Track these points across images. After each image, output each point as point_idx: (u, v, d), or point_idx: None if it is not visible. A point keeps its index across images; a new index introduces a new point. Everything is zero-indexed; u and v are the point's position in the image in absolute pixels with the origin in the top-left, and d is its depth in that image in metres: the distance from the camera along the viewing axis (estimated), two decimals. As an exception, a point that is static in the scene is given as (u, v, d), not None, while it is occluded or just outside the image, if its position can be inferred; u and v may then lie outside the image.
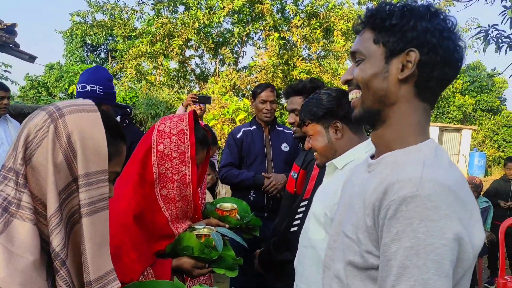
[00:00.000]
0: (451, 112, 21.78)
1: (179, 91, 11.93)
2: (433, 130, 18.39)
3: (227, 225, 2.12)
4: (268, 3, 10.29)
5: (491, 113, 22.96)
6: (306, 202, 2.17)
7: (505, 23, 5.00)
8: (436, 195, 0.85)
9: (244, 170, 3.28)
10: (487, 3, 5.29)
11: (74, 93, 15.65)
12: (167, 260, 1.78)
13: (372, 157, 1.11)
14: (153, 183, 1.76)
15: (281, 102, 10.77)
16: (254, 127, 3.41)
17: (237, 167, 3.33)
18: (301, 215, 2.17)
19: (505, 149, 20.74)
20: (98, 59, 24.71)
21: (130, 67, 10.66)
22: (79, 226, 0.97)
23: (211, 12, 10.56)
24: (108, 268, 1.03)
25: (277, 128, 3.44)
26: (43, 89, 18.86)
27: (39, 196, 0.94)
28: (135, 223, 1.69)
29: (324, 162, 1.82)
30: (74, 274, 0.99)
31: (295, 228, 2.18)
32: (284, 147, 3.35)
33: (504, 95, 24.88)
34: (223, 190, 6.05)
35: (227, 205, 2.33)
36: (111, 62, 15.06)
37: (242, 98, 10.17)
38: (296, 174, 2.45)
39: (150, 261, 1.72)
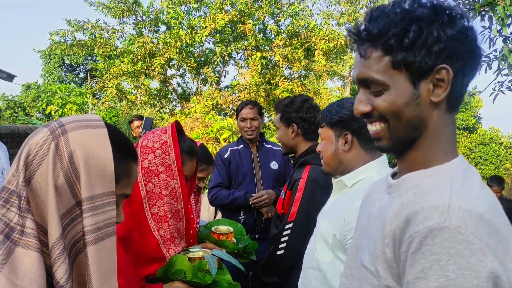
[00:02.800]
0: (429, 130, 22.20)
1: (161, 110, 11.83)
2: None
3: (224, 250, 2.03)
4: (250, 23, 10.38)
5: (467, 132, 23.46)
6: (291, 225, 2.11)
7: (485, 42, 5.11)
8: (467, 226, 0.74)
9: (233, 190, 3.17)
10: (467, 23, 5.39)
11: (52, 113, 15.33)
12: (158, 285, 1.67)
13: (394, 175, 1.00)
14: (141, 202, 1.66)
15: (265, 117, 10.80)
16: (241, 146, 3.30)
17: (227, 188, 3.22)
18: (286, 238, 2.11)
19: (482, 167, 21.14)
20: (76, 79, 24.45)
21: (111, 86, 10.54)
22: (83, 255, 0.87)
23: (193, 32, 10.58)
24: None
25: (265, 145, 3.34)
26: (19, 109, 18.49)
27: (40, 222, 0.85)
28: (120, 245, 1.57)
29: (328, 171, 1.74)
30: None
31: (281, 252, 2.12)
32: (273, 165, 3.25)
33: (480, 114, 25.53)
34: None
35: (223, 228, 2.23)
36: (90, 82, 14.90)
37: (225, 117, 10.12)
38: (284, 194, 2.40)
39: (137, 286, 1.60)
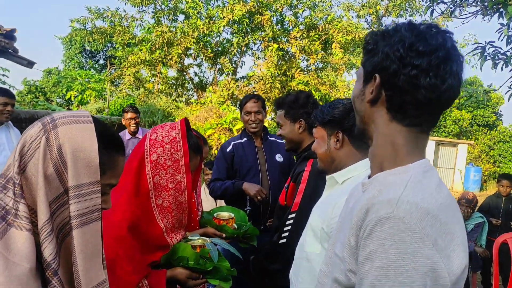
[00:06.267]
0: (448, 126, 21.90)
1: (177, 99, 11.95)
2: (430, 144, 18.25)
3: (224, 235, 2.12)
4: (267, 14, 10.38)
5: (487, 128, 23.07)
6: (294, 215, 2.19)
7: (502, 40, 5.05)
8: (411, 217, 0.85)
9: (227, 180, 3.23)
10: (484, 20, 5.34)
11: (72, 98, 15.51)
12: (162, 271, 1.77)
13: (369, 177, 1.10)
14: (148, 193, 1.75)
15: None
16: (245, 139, 3.35)
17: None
18: (289, 227, 2.19)
19: (500, 164, 20.80)
20: (96, 65, 24.75)
21: (129, 74, 10.68)
22: (70, 237, 0.98)
23: (211, 22, 10.63)
24: (100, 279, 1.03)
25: (270, 138, 3.40)
26: (40, 94, 18.83)
27: (32, 206, 0.96)
28: (130, 234, 1.68)
29: (322, 168, 1.83)
30: (67, 284, 0.99)
31: (284, 240, 2.20)
32: (278, 157, 3.30)
33: (500, 111, 25.02)
34: None
35: (224, 214, 2.32)
36: (109, 69, 15.08)
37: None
38: (287, 186, 2.47)
39: (144, 272, 1.70)
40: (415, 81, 0.94)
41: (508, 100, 5.42)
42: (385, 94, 0.99)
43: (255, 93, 10.17)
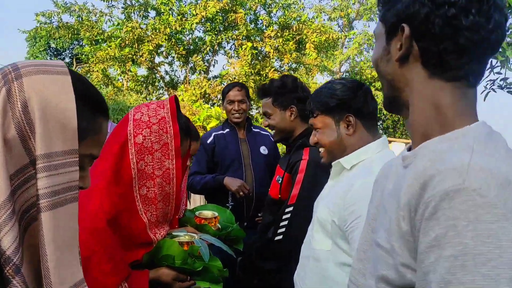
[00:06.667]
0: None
1: (148, 97, 11.62)
2: (400, 146, 18.57)
3: None
4: (241, 13, 10.23)
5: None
6: (291, 208, 2.01)
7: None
8: (489, 188, 0.65)
9: (207, 174, 3.02)
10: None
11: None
12: (144, 272, 1.55)
13: (409, 149, 0.91)
14: (131, 181, 1.52)
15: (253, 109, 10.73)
16: (227, 130, 3.13)
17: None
18: (286, 222, 2.01)
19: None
20: (62, 64, 24.00)
21: (97, 71, 10.29)
22: (37, 223, 0.74)
23: (183, 19, 10.39)
24: (76, 278, 0.79)
25: (254, 129, 3.21)
26: (1, 92, 18.05)
27: None
28: (109, 228, 1.44)
29: (330, 160, 1.63)
30: (33, 284, 0.75)
31: (280, 237, 2.02)
32: (263, 150, 3.10)
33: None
34: None
35: (207, 213, 2.12)
36: (76, 67, 14.59)
37: (213, 106, 9.98)
38: (281, 179, 2.28)
39: (125, 273, 1.47)
40: (454, 22, 0.77)
41: (484, 100, 5.45)
42: (418, 46, 0.81)
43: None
